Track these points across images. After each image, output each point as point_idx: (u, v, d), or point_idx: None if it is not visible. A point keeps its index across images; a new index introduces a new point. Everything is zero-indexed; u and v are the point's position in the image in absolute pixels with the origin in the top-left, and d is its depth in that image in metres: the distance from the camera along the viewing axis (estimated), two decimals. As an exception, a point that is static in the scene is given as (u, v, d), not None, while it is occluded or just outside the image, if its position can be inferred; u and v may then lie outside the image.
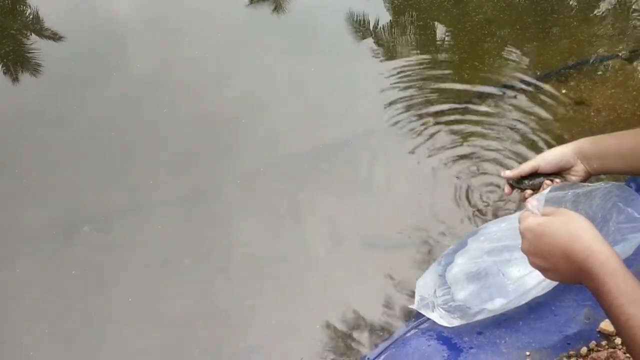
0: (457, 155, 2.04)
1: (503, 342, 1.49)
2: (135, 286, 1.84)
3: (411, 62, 2.34)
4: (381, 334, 1.66)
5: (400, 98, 2.21)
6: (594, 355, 1.42)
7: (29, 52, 2.48)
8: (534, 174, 1.43)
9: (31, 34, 2.57)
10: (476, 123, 2.11)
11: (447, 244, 1.79)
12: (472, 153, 2.03)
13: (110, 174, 2.09)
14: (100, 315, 1.77)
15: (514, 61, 2.29)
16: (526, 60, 2.29)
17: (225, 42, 2.52)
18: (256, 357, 1.69)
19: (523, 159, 1.99)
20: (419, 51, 2.38)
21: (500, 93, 2.19)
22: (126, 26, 2.60)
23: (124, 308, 1.79)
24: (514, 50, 2.33)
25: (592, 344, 1.46)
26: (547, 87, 2.18)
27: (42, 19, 2.64)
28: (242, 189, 2.02)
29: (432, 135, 2.09)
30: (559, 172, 1.41)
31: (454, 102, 2.18)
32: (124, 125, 2.24)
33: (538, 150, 2.00)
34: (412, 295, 1.71)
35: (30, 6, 2.71)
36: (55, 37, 2.51)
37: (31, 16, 2.66)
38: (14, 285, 1.85)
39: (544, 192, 1.26)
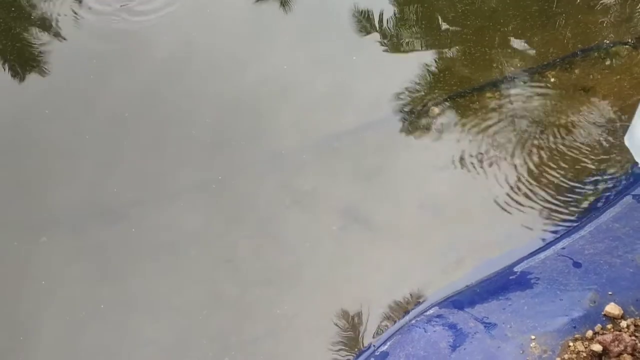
0: (463, 145, 2.04)
1: (508, 326, 1.50)
2: (144, 276, 1.85)
3: (417, 54, 2.33)
4: (387, 321, 1.67)
5: (408, 89, 2.21)
6: (599, 338, 1.42)
7: (55, 43, 2.47)
8: None
9: (55, 27, 2.56)
10: (483, 112, 2.11)
11: (455, 238, 1.81)
12: (482, 141, 2.03)
13: (122, 164, 2.09)
14: (109, 304, 1.79)
15: (519, 49, 2.28)
16: (532, 48, 2.28)
17: (248, 28, 2.50)
18: (263, 345, 1.70)
19: (529, 146, 1.99)
20: (425, 41, 2.37)
21: (506, 81, 2.18)
22: (151, 16, 2.58)
23: (133, 297, 1.80)
24: (519, 39, 2.31)
25: (598, 327, 1.46)
26: (552, 74, 2.18)
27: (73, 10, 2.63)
28: (250, 182, 2.03)
29: (440, 124, 2.10)
30: None
31: (460, 91, 2.17)
32: (141, 114, 2.22)
33: (547, 140, 2.01)
34: (417, 285, 1.72)
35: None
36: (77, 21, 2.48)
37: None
38: (25, 275, 1.87)
39: None
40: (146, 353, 1.73)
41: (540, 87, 2.15)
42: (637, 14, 2.32)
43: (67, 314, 1.78)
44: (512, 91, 2.15)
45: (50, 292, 1.82)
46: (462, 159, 2.01)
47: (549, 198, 1.89)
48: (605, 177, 1.91)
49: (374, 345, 1.58)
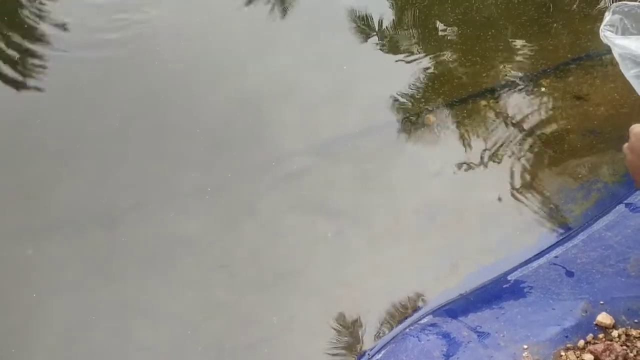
0: (458, 152, 2.05)
1: (501, 335, 1.51)
2: (138, 282, 1.85)
3: (413, 62, 2.34)
4: (381, 329, 1.68)
5: (404, 96, 2.22)
6: (591, 347, 1.44)
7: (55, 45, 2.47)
8: None
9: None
10: (477, 119, 2.12)
11: (449, 245, 1.82)
12: (477, 148, 2.05)
13: (119, 169, 2.09)
14: (102, 311, 1.79)
15: (513, 57, 2.29)
16: (526, 56, 2.30)
17: (250, 29, 2.51)
18: (259, 352, 1.70)
19: (523, 154, 2.01)
20: (420, 49, 2.38)
21: (500, 89, 2.20)
22: (153, 15, 2.57)
23: (129, 303, 1.80)
24: (513, 46, 2.33)
25: (590, 336, 1.48)
26: (546, 82, 2.19)
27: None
28: (247, 186, 2.03)
29: (435, 131, 2.11)
30: None
31: (455, 99, 2.19)
32: (139, 118, 2.21)
33: (541, 148, 2.03)
34: (413, 292, 1.74)
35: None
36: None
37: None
38: (18, 280, 1.87)
39: None
40: (141, 359, 1.73)
41: (534, 95, 2.16)
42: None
43: (61, 319, 1.78)
44: (506, 99, 2.16)
45: (44, 298, 1.82)
46: (457, 165, 2.02)
47: (543, 206, 1.90)
48: (598, 185, 1.93)
49: (368, 354, 1.59)
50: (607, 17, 1.56)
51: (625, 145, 1.43)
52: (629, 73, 1.51)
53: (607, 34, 1.54)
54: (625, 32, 1.55)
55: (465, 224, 1.90)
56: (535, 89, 2.18)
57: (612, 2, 1.61)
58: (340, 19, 2.52)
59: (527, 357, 1.46)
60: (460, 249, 1.84)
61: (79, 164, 2.11)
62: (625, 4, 1.56)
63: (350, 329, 1.70)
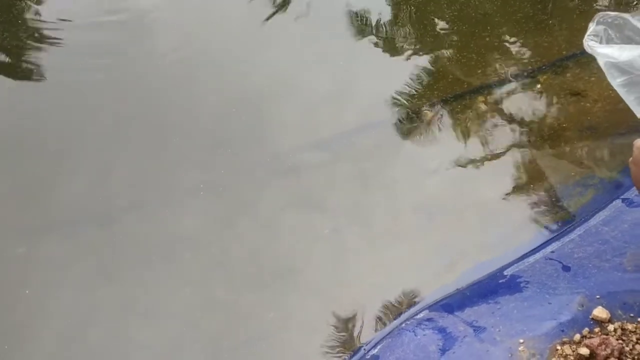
0: (455, 149, 2.06)
1: (497, 330, 1.51)
2: (137, 281, 1.86)
3: (410, 59, 2.35)
4: (378, 325, 1.68)
5: (402, 93, 2.23)
6: (587, 342, 1.43)
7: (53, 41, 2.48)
8: None
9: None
10: (475, 116, 2.13)
11: (447, 241, 1.82)
12: (474, 145, 2.06)
13: (118, 168, 2.09)
14: (102, 309, 1.80)
15: (509, 54, 2.30)
16: (522, 53, 2.30)
17: (250, 29, 2.51)
18: (256, 349, 1.71)
19: (520, 151, 2.01)
20: (417, 47, 2.39)
21: (496, 85, 2.20)
22: (153, 15, 2.58)
23: (126, 302, 1.81)
24: (510, 43, 2.33)
25: (585, 330, 1.47)
26: (542, 79, 2.19)
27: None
28: (245, 185, 2.04)
29: (433, 127, 2.12)
30: None
31: (452, 95, 2.19)
32: (138, 117, 2.22)
33: (538, 144, 2.02)
34: (409, 288, 1.74)
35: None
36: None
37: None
38: (16, 279, 1.88)
39: None
40: (140, 358, 1.74)
41: (531, 91, 2.17)
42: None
43: (60, 318, 1.79)
44: (503, 96, 2.17)
45: (43, 298, 1.83)
46: (454, 162, 2.03)
47: (539, 201, 1.90)
48: (594, 180, 1.93)
49: (364, 349, 1.59)
50: (591, 27, 1.57)
51: (630, 159, 1.45)
52: (615, 82, 1.53)
53: (590, 43, 1.56)
54: (609, 41, 1.57)
55: (463, 221, 1.90)
56: (532, 86, 2.18)
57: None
58: (339, 19, 2.53)
59: (523, 351, 1.46)
60: (458, 244, 1.84)
61: (78, 164, 2.11)
62: (608, 14, 1.58)
63: (346, 325, 1.70)
